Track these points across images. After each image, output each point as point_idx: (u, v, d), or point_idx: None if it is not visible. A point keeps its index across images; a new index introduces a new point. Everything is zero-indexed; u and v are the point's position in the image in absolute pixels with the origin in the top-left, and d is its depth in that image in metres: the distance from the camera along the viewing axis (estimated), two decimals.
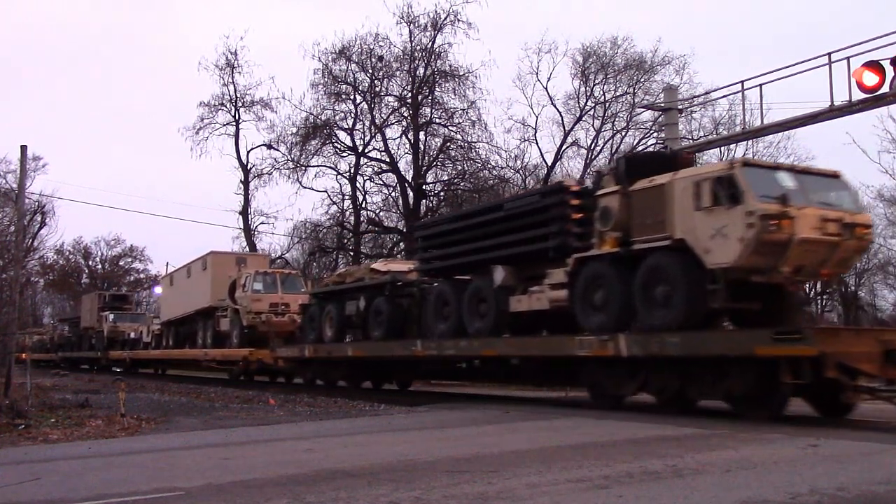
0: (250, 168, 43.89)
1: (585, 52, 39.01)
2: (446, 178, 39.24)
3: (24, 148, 23.13)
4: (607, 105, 39.60)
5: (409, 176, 38.58)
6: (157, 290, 51.80)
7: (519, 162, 40.12)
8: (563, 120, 39.86)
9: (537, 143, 41.24)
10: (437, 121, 38.30)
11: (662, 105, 22.31)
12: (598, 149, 39.94)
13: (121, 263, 78.90)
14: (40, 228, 60.16)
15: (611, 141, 40.18)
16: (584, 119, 39.73)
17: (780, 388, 11.06)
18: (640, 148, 37.79)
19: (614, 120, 39.90)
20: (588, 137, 40.16)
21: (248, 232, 43.82)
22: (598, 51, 38.91)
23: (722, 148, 31.91)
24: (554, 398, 18.52)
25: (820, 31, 75.43)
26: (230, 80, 43.51)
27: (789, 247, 11.19)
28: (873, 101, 15.78)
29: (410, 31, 37.52)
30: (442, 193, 39.36)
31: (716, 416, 12.27)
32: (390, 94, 39.33)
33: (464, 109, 37.59)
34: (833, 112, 16.30)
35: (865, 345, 10.94)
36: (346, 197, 41.02)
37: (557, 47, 47.57)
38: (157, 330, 36.41)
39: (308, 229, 42.62)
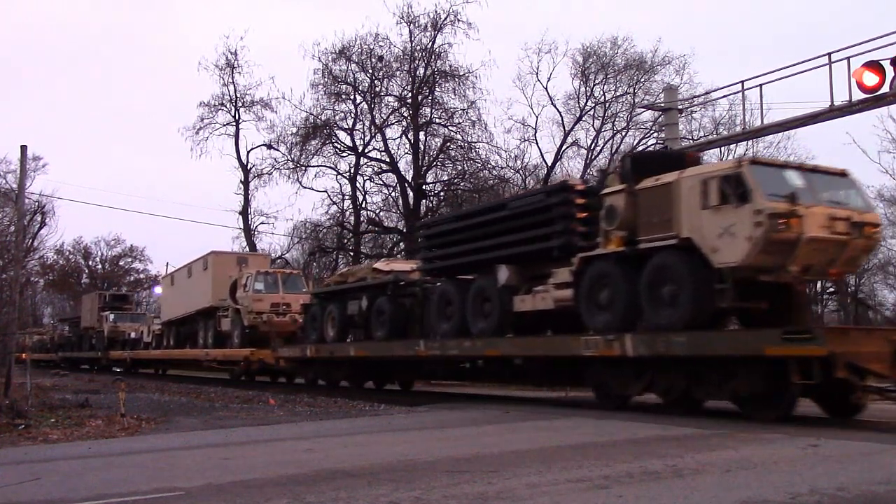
0: (250, 168, 43.96)
1: (585, 52, 39.08)
2: (446, 178, 39.27)
3: (24, 148, 23.15)
4: (607, 105, 39.66)
5: (409, 176, 38.62)
6: (157, 290, 51.80)
7: (519, 162, 40.19)
8: (563, 120, 39.94)
9: (537, 143, 41.32)
10: (437, 121, 38.34)
11: (662, 105, 22.31)
12: (598, 149, 40.03)
13: (121, 263, 78.97)
14: (40, 228, 60.24)
15: (611, 141, 40.26)
16: (584, 119, 39.80)
17: (788, 388, 10.97)
18: (640, 148, 37.79)
19: (614, 120, 39.96)
20: (588, 137, 40.24)
21: (248, 232, 43.83)
22: (598, 51, 38.98)
23: (722, 148, 31.92)
24: (554, 398, 18.51)
25: (820, 31, 75.55)
26: (230, 80, 43.59)
27: (797, 246, 11.08)
28: (873, 101, 15.77)
29: (410, 31, 37.58)
30: (442, 193, 39.37)
31: (716, 416, 12.27)
32: (390, 94, 39.40)
33: (464, 109, 37.65)
34: (833, 112, 16.30)
35: (875, 345, 10.85)
36: (346, 197, 41.07)
37: (557, 47, 47.79)
38: (157, 330, 36.41)
39: (308, 229, 42.68)
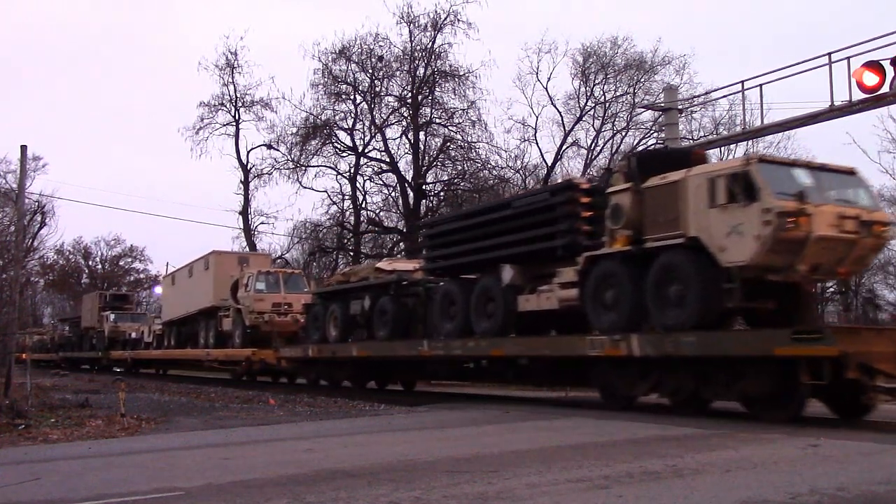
0: (250, 168, 43.95)
1: (585, 52, 39.10)
2: (446, 178, 39.27)
3: (24, 148, 23.16)
4: (607, 105, 39.68)
5: (409, 176, 38.62)
6: (158, 290, 51.83)
7: (519, 162, 40.21)
8: (563, 120, 39.95)
9: (537, 143, 41.32)
10: (437, 121, 38.34)
11: (662, 105, 22.29)
12: (598, 149, 40.05)
13: (121, 263, 78.96)
14: (40, 228, 60.28)
15: (611, 141, 40.28)
16: (584, 119, 39.82)
17: (798, 388, 10.88)
18: (640, 148, 37.79)
19: (614, 120, 39.98)
20: (588, 137, 40.26)
21: (248, 232, 43.83)
22: (598, 51, 39.00)
23: (722, 148, 31.92)
24: (554, 398, 18.52)
25: (820, 31, 75.55)
26: (230, 80, 43.58)
27: (806, 245, 10.98)
28: (873, 101, 15.76)
29: (410, 31, 37.59)
30: (442, 193, 39.37)
31: (715, 416, 12.26)
32: (390, 94, 39.40)
33: (464, 109, 37.65)
34: (833, 112, 16.28)
35: (885, 345, 10.74)
36: (346, 197, 41.07)
37: (557, 47, 47.73)
38: (158, 330, 36.34)
39: (308, 229, 42.67)
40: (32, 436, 12.44)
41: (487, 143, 38.18)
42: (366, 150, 40.08)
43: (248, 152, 44.00)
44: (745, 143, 31.79)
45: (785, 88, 17.45)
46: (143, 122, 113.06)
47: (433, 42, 37.38)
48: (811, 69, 16.41)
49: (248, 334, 26.33)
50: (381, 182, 40.97)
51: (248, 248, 41.88)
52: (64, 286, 77.52)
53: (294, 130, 40.34)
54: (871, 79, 15.25)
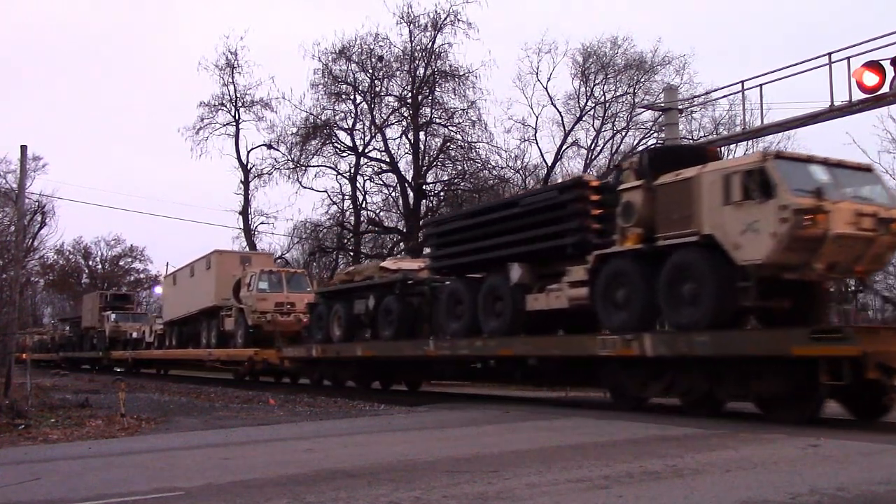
0: (250, 168, 43.97)
1: (585, 52, 39.09)
2: (446, 178, 39.28)
3: (24, 148, 23.16)
4: (607, 105, 39.67)
5: (409, 176, 38.65)
6: (158, 290, 51.81)
7: (519, 162, 40.20)
8: (563, 120, 39.95)
9: (537, 143, 41.31)
10: (437, 121, 38.35)
11: (662, 105, 22.29)
12: (598, 149, 40.05)
13: (121, 263, 78.98)
14: (40, 228, 60.29)
15: (611, 141, 40.28)
16: (584, 119, 39.81)
17: (816, 389, 10.73)
18: (640, 148, 37.80)
19: (614, 120, 39.98)
20: (588, 137, 40.25)
21: (248, 232, 43.84)
22: (598, 51, 38.99)
23: (722, 148, 31.87)
24: (554, 398, 18.53)
25: (820, 31, 75.52)
26: (230, 80, 43.60)
27: (824, 243, 10.78)
28: (873, 101, 15.75)
29: (410, 31, 37.61)
30: (442, 193, 39.38)
31: (716, 416, 12.24)
32: (390, 94, 39.43)
33: (464, 109, 37.68)
34: (833, 112, 16.27)
35: None
36: (346, 197, 41.10)
37: (557, 47, 47.65)
38: (159, 330, 36.29)
39: (308, 229, 42.68)
40: (32, 436, 12.44)
41: (487, 143, 38.26)
42: (366, 150, 40.18)
43: (248, 152, 44.11)
44: (745, 143, 31.82)
45: (785, 88, 17.47)
46: (143, 122, 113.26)
47: (433, 42, 37.48)
48: (811, 69, 16.42)
49: (250, 334, 26.23)
50: (381, 182, 41.07)
51: (248, 248, 41.89)
52: (64, 286, 77.54)
53: (294, 130, 40.43)
54: (871, 79, 15.24)
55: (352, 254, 41.28)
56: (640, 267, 12.65)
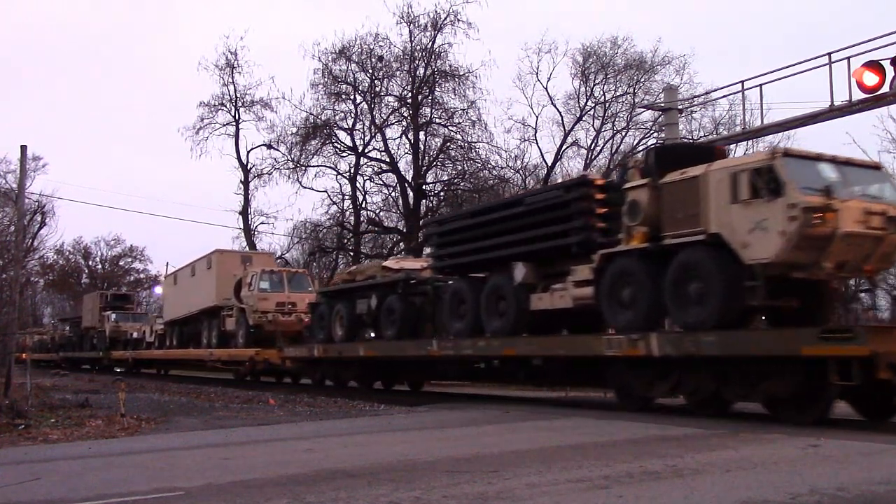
0: (250, 168, 43.96)
1: (585, 52, 39.07)
2: (446, 178, 39.25)
3: (24, 148, 23.15)
4: (607, 105, 39.65)
5: (409, 176, 38.62)
6: (158, 290, 51.79)
7: (519, 162, 40.18)
8: (563, 120, 39.92)
9: (537, 143, 41.30)
10: (437, 121, 38.33)
11: (662, 105, 22.29)
12: (598, 149, 40.03)
13: (121, 263, 78.98)
14: (40, 228, 60.33)
15: (611, 141, 40.26)
16: (584, 119, 39.78)
17: (825, 389, 10.63)
18: (640, 148, 37.83)
19: (614, 120, 39.95)
20: (588, 137, 40.23)
21: (248, 232, 43.84)
22: (598, 51, 38.96)
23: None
24: (554, 398, 18.52)
25: (820, 31, 75.50)
26: (230, 80, 43.59)
27: (832, 241, 10.68)
28: (873, 101, 15.75)
29: (410, 31, 37.58)
30: (442, 193, 39.36)
31: (715, 416, 12.22)
32: (390, 94, 39.40)
33: (464, 109, 37.65)
34: (833, 112, 16.27)
35: None
36: (346, 197, 41.07)
37: (557, 47, 47.59)
38: (160, 330, 36.24)
39: (308, 229, 42.65)
40: (32, 436, 12.44)
41: (487, 143, 38.23)
42: (366, 150, 40.15)
43: (248, 152, 44.10)
44: (744, 143, 31.82)
45: (785, 88, 17.46)
46: (143, 122, 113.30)
47: (433, 42, 37.44)
48: (811, 69, 16.42)
49: (251, 334, 26.16)
50: (381, 182, 41.04)
51: (248, 249, 41.89)
52: (64, 286, 77.55)
53: (294, 130, 40.41)
54: (871, 79, 15.24)
55: (352, 254, 41.27)
56: (646, 266, 12.55)
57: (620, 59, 38.93)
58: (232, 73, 43.36)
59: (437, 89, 38.03)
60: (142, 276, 77.16)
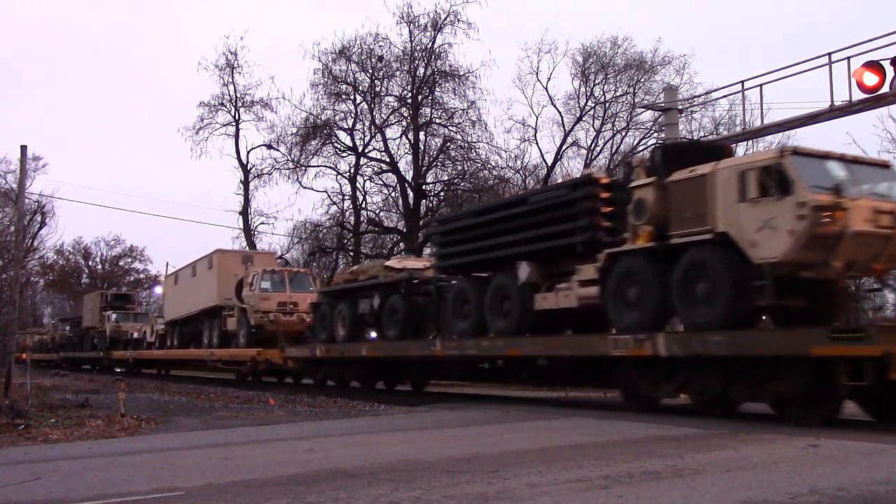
0: (250, 168, 43.93)
1: (585, 52, 39.05)
2: (446, 178, 39.25)
3: (24, 148, 23.18)
4: (607, 105, 39.63)
5: (409, 176, 38.62)
6: (158, 290, 51.75)
7: (519, 162, 40.16)
8: (563, 120, 39.91)
9: (537, 143, 41.29)
10: (437, 121, 38.33)
11: (662, 105, 22.28)
12: (598, 149, 40.01)
13: (121, 263, 79.01)
14: (40, 228, 60.34)
15: (611, 141, 40.25)
16: (584, 119, 39.77)
17: (835, 389, 10.55)
18: (640, 148, 37.85)
19: (614, 120, 39.94)
20: (588, 137, 40.22)
21: (248, 232, 43.83)
22: (598, 51, 38.94)
23: None
24: (554, 398, 18.53)
25: (820, 31, 75.50)
26: (230, 80, 43.55)
27: (842, 240, 10.58)
28: (873, 101, 15.73)
29: (410, 32, 37.58)
30: (442, 193, 39.37)
31: (715, 416, 12.22)
32: (390, 94, 39.39)
33: (464, 109, 37.64)
34: (833, 112, 16.25)
35: None
36: (346, 197, 41.07)
37: (557, 47, 47.54)
38: (161, 330, 36.17)
39: (308, 229, 42.64)
40: (32, 436, 12.44)
41: (487, 143, 38.23)
42: (366, 150, 40.15)
43: (248, 152, 44.06)
44: (744, 143, 31.81)
45: (785, 88, 17.42)
46: (143, 122, 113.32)
47: (433, 42, 37.43)
48: (811, 69, 16.38)
49: (252, 334, 26.08)
50: (381, 182, 41.03)
51: (248, 249, 41.88)
52: (64, 286, 77.56)
53: (294, 130, 40.40)
54: (871, 79, 15.22)
55: (352, 254, 41.27)
56: (653, 265, 12.48)
57: (620, 59, 38.97)
58: (232, 73, 43.40)
59: (437, 89, 38.07)
60: (142, 276, 77.31)
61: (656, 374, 12.99)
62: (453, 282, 17.87)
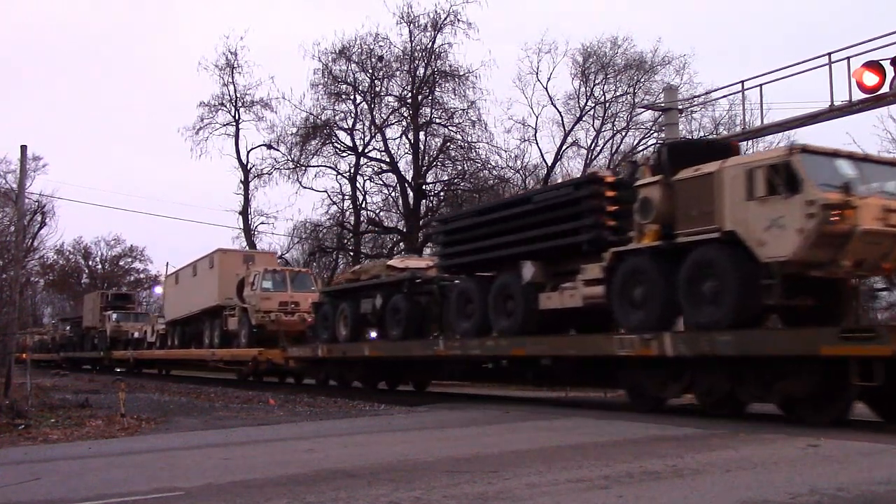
0: (250, 168, 43.93)
1: (585, 52, 39.04)
2: (446, 178, 39.26)
3: (24, 148, 23.20)
4: (607, 105, 39.62)
5: (409, 176, 38.63)
6: (158, 290, 51.72)
7: (519, 162, 40.16)
8: (563, 120, 39.90)
9: (537, 143, 41.28)
10: (437, 121, 38.34)
11: (662, 105, 22.28)
12: (598, 149, 40.00)
13: (121, 263, 79.02)
14: (40, 228, 60.32)
15: (611, 141, 40.25)
16: (584, 119, 39.75)
17: (844, 390, 10.46)
18: (640, 148, 37.86)
19: (614, 120, 39.93)
20: (588, 137, 40.21)
21: (248, 232, 43.83)
22: (598, 51, 38.93)
23: None
24: (554, 398, 18.52)
25: (820, 31, 75.49)
26: (230, 80, 43.54)
27: (851, 239, 10.48)
28: (873, 101, 15.74)
29: (410, 32, 37.58)
30: (442, 193, 39.38)
31: (715, 415, 12.21)
32: (390, 94, 39.40)
33: (464, 109, 37.65)
34: (833, 112, 16.26)
35: None
36: (346, 197, 41.07)
37: (557, 47, 47.55)
38: (161, 329, 36.14)
39: (308, 229, 42.63)
40: (32, 436, 12.44)
41: (487, 143, 38.23)
42: (366, 150, 40.15)
43: (248, 152, 44.06)
44: (744, 143, 31.79)
45: (785, 88, 17.43)
46: (143, 122, 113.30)
47: (433, 42, 37.44)
48: (811, 69, 16.40)
49: (254, 334, 26.04)
50: (381, 182, 41.04)
51: (248, 249, 41.88)
52: (64, 286, 77.56)
53: (294, 130, 40.40)
54: (871, 79, 15.22)
55: (352, 254, 41.28)
56: (659, 264, 12.39)
57: (620, 59, 38.96)
58: (232, 73, 43.40)
59: (437, 89, 38.08)
60: (142, 276, 77.32)
61: (663, 374, 12.91)
62: (456, 281, 17.80)
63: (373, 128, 39.22)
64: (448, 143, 38.21)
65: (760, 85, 17.45)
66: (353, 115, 39.61)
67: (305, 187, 40.74)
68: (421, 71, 37.93)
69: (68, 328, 54.28)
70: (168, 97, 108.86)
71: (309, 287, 26.78)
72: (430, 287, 18.97)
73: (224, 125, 44.16)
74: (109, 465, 9.10)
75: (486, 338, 16.04)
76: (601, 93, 39.46)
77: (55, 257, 73.20)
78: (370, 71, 38.59)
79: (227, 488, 7.03)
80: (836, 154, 11.40)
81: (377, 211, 41.64)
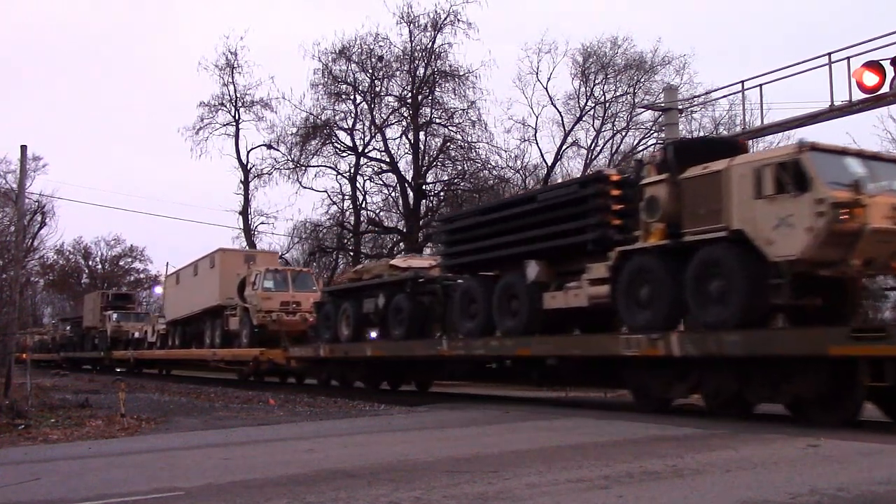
0: (250, 168, 43.93)
1: (585, 52, 39.04)
2: (446, 178, 39.25)
3: (24, 148, 23.23)
4: (607, 105, 39.62)
5: (409, 176, 38.63)
6: (158, 290, 51.71)
7: (519, 162, 40.15)
8: (563, 120, 39.89)
9: (537, 143, 41.27)
10: (437, 121, 38.33)
11: (662, 105, 22.29)
12: (598, 149, 40.00)
13: (121, 263, 78.98)
14: (40, 228, 60.33)
15: (611, 141, 40.24)
16: (584, 119, 39.75)
17: (853, 390, 10.42)
18: (640, 148, 37.86)
19: (614, 120, 39.92)
20: (588, 137, 40.21)
21: (248, 232, 43.83)
22: (598, 51, 38.93)
23: None
24: (554, 398, 18.51)
25: (820, 31, 75.47)
26: (230, 80, 43.53)
27: (861, 237, 10.38)
28: (873, 101, 15.74)
29: (410, 32, 37.58)
30: (442, 193, 39.37)
31: (715, 415, 12.21)
32: (390, 94, 39.40)
33: (464, 109, 37.64)
34: (833, 112, 16.26)
35: None
36: (346, 197, 41.07)
37: (557, 47, 47.57)
38: (162, 329, 36.08)
39: (308, 229, 42.63)
40: (32, 436, 12.45)
41: (487, 143, 38.22)
42: (366, 150, 40.16)
43: (248, 152, 44.05)
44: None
45: (785, 88, 17.44)
46: (143, 122, 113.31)
47: (433, 42, 37.43)
48: (811, 69, 16.41)
49: (255, 334, 25.97)
50: (381, 182, 41.04)
51: (248, 248, 41.87)
52: (64, 286, 77.55)
53: (294, 130, 40.39)
54: (871, 79, 15.23)
55: (352, 254, 41.28)
56: (665, 263, 12.29)
57: (620, 59, 38.96)
58: (232, 73, 43.40)
59: (437, 89, 38.07)
60: (142, 276, 77.26)
61: (669, 375, 12.80)
62: (459, 281, 17.72)
63: (373, 128, 39.25)
64: (448, 143, 38.23)
65: (760, 85, 17.47)
66: (353, 115, 39.67)
67: (305, 187, 40.81)
68: (421, 71, 37.95)
69: (68, 328, 54.28)
70: (168, 97, 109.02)
71: (310, 287, 26.72)
72: (433, 287, 18.85)
73: (224, 125, 44.23)
74: (109, 465, 9.11)
75: (491, 338, 15.97)
76: (601, 93, 39.52)
77: (55, 257, 73.33)
78: (370, 71, 38.63)
79: (227, 488, 7.03)
80: (845, 152, 11.31)
81: (377, 211, 41.72)
